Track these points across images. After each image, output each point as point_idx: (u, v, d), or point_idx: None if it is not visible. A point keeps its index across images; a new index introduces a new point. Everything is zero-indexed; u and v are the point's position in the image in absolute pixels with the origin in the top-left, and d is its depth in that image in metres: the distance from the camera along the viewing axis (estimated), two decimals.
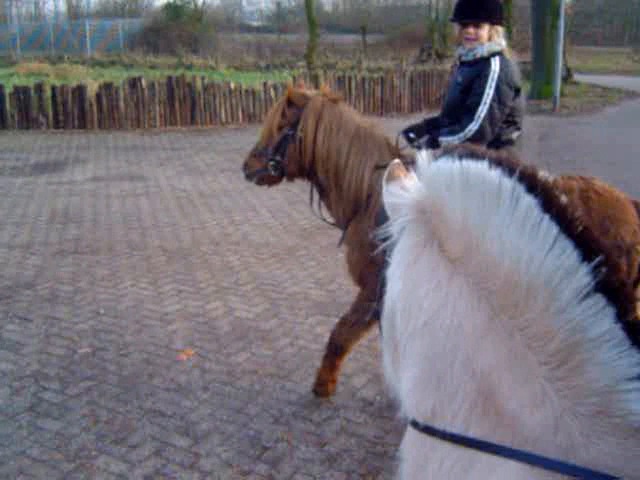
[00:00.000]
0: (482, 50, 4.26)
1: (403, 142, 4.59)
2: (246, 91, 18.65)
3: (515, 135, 4.41)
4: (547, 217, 1.34)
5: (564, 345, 1.30)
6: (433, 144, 4.38)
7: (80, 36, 44.54)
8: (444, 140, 4.30)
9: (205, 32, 43.14)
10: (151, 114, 17.97)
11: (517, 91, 4.33)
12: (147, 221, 9.38)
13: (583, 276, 1.29)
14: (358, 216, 4.50)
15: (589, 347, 1.28)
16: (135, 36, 43.96)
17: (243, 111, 18.57)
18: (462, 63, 4.42)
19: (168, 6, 47.86)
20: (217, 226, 9.18)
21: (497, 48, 4.28)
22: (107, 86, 18.01)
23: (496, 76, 4.19)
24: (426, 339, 1.48)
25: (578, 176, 4.34)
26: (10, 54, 39.50)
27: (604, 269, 1.29)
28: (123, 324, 6.10)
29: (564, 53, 24.13)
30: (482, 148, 1.51)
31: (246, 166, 4.84)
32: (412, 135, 4.59)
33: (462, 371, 1.42)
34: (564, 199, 1.37)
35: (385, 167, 4.44)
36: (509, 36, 19.59)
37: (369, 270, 4.47)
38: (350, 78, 20.00)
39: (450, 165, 1.48)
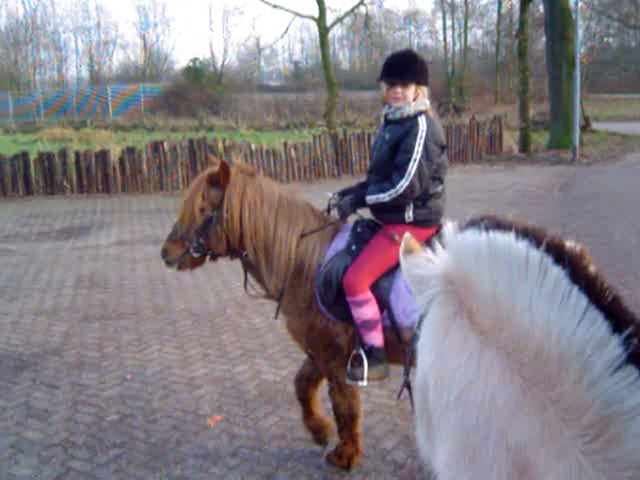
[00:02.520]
0: (409, 109, 4.35)
1: (333, 202, 4.61)
2: (267, 151, 18.86)
3: (440, 188, 4.49)
4: (576, 288, 1.33)
5: (598, 418, 1.28)
6: (360, 203, 4.45)
7: (102, 101, 45.44)
8: (374, 198, 4.35)
9: (225, 93, 43.79)
10: (174, 177, 18.19)
11: (443, 148, 4.44)
12: (172, 284, 9.43)
13: (615, 348, 1.28)
14: (292, 285, 4.51)
15: (624, 419, 1.27)
16: (156, 99, 44.69)
17: (264, 171, 18.68)
18: (388, 121, 4.49)
19: (188, 69, 48.80)
20: (242, 288, 9.18)
21: (423, 107, 4.38)
22: (130, 150, 18.30)
23: (424, 134, 4.28)
24: (459, 412, 1.47)
25: (492, 214, 4.40)
26: (34, 120, 40.32)
27: (635, 340, 1.28)
28: (150, 390, 6.10)
29: (581, 102, 24.22)
30: (508, 219, 1.52)
31: (166, 252, 4.69)
32: (333, 196, 4.64)
33: (496, 445, 1.40)
34: (593, 269, 1.37)
35: (313, 232, 4.48)
36: (526, 88, 19.73)
37: (313, 335, 4.50)
38: (370, 135, 20.15)
39: (477, 236, 1.48)
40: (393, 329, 4.30)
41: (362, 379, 4.31)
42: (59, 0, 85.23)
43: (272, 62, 64.65)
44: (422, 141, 4.26)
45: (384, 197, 4.30)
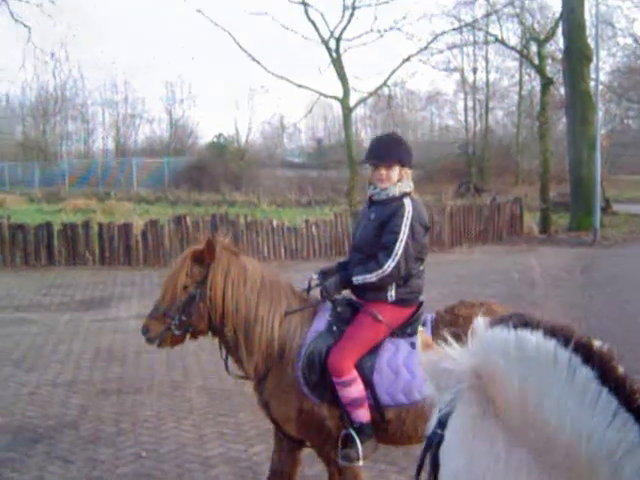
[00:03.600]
0: (394, 190, 4.44)
1: (315, 282, 4.63)
2: (288, 228, 18.99)
3: (421, 268, 4.56)
4: (605, 390, 1.33)
5: None
6: (346, 284, 4.47)
7: (127, 173, 46.11)
8: (361, 278, 4.37)
9: (247, 169, 44.30)
10: None
11: (426, 229, 4.54)
12: (190, 360, 9.37)
13: None
14: (275, 368, 4.45)
15: None
16: (180, 173, 45.25)
17: (285, 248, 18.83)
18: (373, 202, 4.57)
19: (212, 144, 49.63)
20: None
21: (407, 189, 4.48)
22: (153, 223, 18.48)
23: (410, 215, 4.36)
24: None
25: (478, 301, 4.53)
26: (59, 190, 40.92)
27: None
28: (165, 468, 6.01)
29: (602, 183, 24.28)
30: (537, 317, 1.52)
31: (147, 329, 4.60)
32: (315, 277, 4.65)
33: None
34: (622, 370, 1.37)
35: (294, 313, 4.47)
36: (547, 169, 19.83)
37: (302, 419, 4.39)
38: None
39: (506, 334, 1.49)
40: (376, 408, 4.27)
41: (358, 459, 4.23)
42: (89, 74, 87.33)
43: (295, 139, 65.41)
44: (408, 222, 4.34)
45: (371, 277, 4.34)
